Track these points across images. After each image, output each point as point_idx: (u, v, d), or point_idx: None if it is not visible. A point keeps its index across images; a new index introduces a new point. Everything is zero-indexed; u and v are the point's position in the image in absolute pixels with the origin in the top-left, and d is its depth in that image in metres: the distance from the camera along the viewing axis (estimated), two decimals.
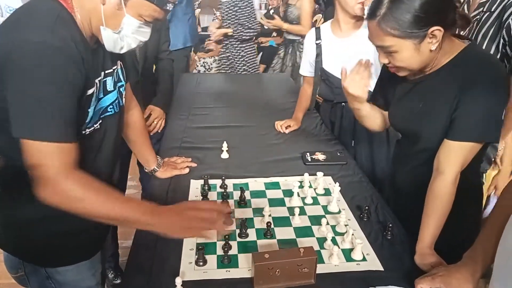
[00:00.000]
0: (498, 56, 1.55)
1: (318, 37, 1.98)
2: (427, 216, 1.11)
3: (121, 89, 1.17)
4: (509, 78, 1.11)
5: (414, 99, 1.22)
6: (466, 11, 1.65)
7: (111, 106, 1.13)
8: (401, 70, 1.15)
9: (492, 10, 1.54)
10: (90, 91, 1.01)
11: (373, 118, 1.40)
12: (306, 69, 2.09)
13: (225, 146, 1.69)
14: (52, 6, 0.95)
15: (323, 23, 2.17)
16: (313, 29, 2.04)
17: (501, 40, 1.51)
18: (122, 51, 1.05)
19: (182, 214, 1.00)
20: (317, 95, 2.17)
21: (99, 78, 1.06)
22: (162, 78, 2.04)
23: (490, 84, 1.08)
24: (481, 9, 1.56)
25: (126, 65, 1.26)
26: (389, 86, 1.33)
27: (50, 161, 0.92)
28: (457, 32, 1.44)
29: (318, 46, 1.98)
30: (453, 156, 1.11)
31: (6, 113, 0.92)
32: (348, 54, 1.86)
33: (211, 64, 4.87)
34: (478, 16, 1.56)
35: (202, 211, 1.02)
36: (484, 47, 1.56)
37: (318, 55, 1.98)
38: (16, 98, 0.90)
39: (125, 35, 1.01)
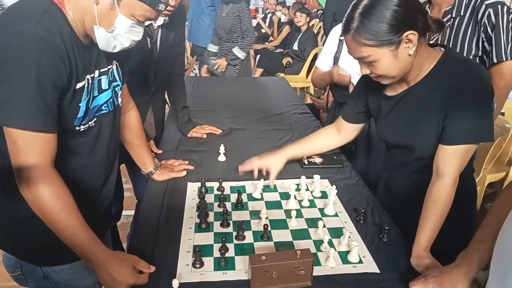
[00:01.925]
0: (479, 53, 1.64)
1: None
2: (425, 218, 1.12)
3: (116, 89, 1.19)
4: (489, 77, 1.13)
5: (402, 112, 1.23)
6: None
7: (105, 105, 1.14)
8: (383, 79, 1.16)
9: (462, 14, 1.64)
10: (79, 85, 1.02)
11: (315, 149, 1.55)
12: (326, 63, 2.09)
13: (222, 149, 1.70)
14: (41, 2, 0.96)
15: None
16: (340, 24, 2.05)
17: (480, 38, 1.65)
18: (115, 50, 1.06)
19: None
20: (312, 95, 2.19)
21: (91, 75, 1.07)
22: (182, 96, 1.97)
23: (476, 86, 1.10)
24: (448, 16, 1.64)
25: (126, 68, 1.27)
26: (372, 104, 1.33)
27: (28, 150, 0.93)
28: (430, 39, 1.48)
29: (341, 43, 1.98)
30: (451, 159, 1.12)
31: None
32: None
33: None
34: (449, 23, 1.65)
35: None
36: (466, 47, 1.65)
37: (337, 52, 1.99)
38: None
39: (118, 34, 1.02)
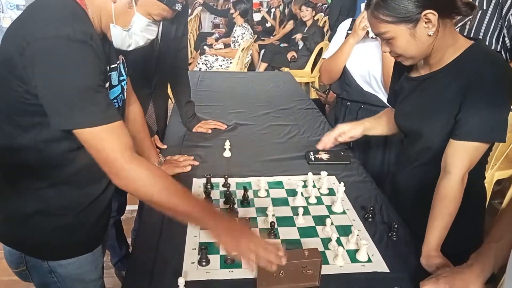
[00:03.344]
0: (498, 47, 1.59)
1: (351, 28, 1.95)
2: (434, 217, 1.10)
3: (122, 83, 1.18)
4: None
5: (419, 96, 1.21)
6: None
7: (115, 100, 1.13)
8: (403, 59, 1.14)
9: (485, 8, 1.60)
10: (107, 84, 1.03)
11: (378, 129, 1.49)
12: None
13: (227, 144, 1.68)
14: (66, 2, 0.95)
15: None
16: (350, 19, 2.01)
17: (502, 33, 1.61)
18: (130, 49, 1.07)
19: (240, 241, 0.97)
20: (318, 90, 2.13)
21: (108, 72, 1.07)
22: (186, 91, 1.94)
23: (496, 83, 1.06)
24: None
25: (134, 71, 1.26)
26: (398, 85, 1.32)
27: (109, 143, 0.95)
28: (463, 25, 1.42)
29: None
30: (460, 156, 1.09)
31: (16, 105, 0.94)
32: (370, 54, 1.82)
33: (212, 62, 4.85)
34: (470, 16, 1.61)
35: (260, 249, 0.95)
36: (487, 41, 1.61)
37: None
38: (54, 92, 0.90)
39: (134, 33, 1.03)
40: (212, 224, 1.00)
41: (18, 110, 0.96)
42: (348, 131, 1.49)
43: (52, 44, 0.88)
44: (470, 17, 1.60)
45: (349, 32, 1.95)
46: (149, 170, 0.98)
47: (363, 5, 1.97)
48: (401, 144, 1.42)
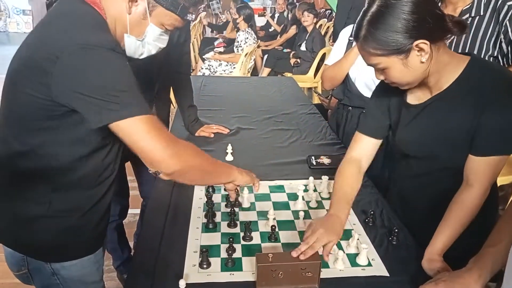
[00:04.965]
0: (495, 53, 1.59)
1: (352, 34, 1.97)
2: (446, 223, 1.09)
3: None
4: None
5: (427, 121, 1.17)
6: None
7: None
8: (399, 85, 1.12)
9: (482, 13, 1.59)
10: None
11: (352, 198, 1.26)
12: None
13: (229, 148, 1.69)
14: (90, 11, 0.98)
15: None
16: (352, 25, 2.02)
17: (499, 39, 1.59)
18: (142, 57, 1.11)
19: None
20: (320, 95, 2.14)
21: None
22: (188, 95, 1.96)
23: (508, 94, 1.05)
24: (467, 15, 1.60)
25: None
26: (393, 112, 1.27)
27: (150, 133, 0.97)
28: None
29: (349, 43, 1.96)
30: (483, 170, 1.08)
31: (30, 109, 0.95)
32: None
33: (216, 67, 4.88)
34: (468, 22, 1.59)
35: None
36: (484, 47, 1.59)
37: (347, 51, 1.97)
38: (93, 93, 0.91)
39: (147, 42, 1.07)
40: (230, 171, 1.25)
41: (31, 115, 0.97)
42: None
43: (86, 52, 0.90)
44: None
45: (351, 38, 1.97)
46: (187, 146, 1.09)
47: (342, 33, 1.97)
48: (404, 160, 1.31)
